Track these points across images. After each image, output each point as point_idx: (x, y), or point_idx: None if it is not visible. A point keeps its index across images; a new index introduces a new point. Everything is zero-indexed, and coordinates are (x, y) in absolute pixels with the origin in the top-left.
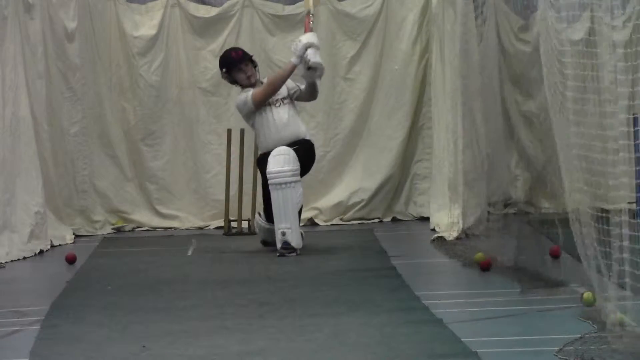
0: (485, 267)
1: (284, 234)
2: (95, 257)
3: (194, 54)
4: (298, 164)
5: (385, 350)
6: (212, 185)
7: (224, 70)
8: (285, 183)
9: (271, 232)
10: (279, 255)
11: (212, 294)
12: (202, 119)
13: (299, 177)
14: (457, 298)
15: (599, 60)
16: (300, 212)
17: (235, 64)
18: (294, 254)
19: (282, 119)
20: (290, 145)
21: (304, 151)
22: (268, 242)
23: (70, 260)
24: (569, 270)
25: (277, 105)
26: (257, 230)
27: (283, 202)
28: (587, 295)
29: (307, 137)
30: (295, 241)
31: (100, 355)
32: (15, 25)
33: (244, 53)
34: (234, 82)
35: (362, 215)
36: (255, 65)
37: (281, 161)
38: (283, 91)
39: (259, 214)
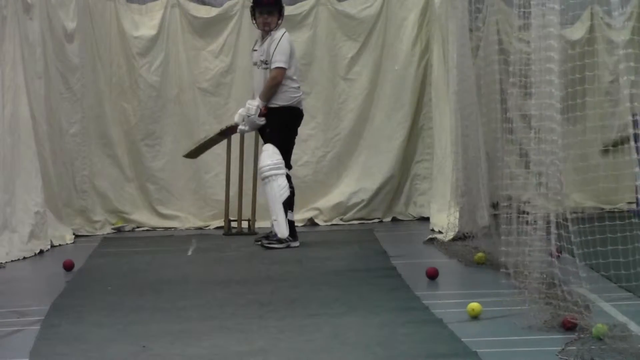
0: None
1: (272, 225)
2: (95, 257)
3: (194, 54)
4: (278, 156)
5: (385, 350)
6: (212, 185)
7: (251, 4)
8: (266, 177)
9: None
10: (259, 245)
11: (212, 294)
12: (202, 119)
13: (280, 169)
14: (457, 298)
15: (599, 60)
16: (288, 203)
17: (259, 7)
18: (279, 245)
19: (255, 82)
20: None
21: (270, 122)
22: (272, 241)
23: (68, 267)
24: (568, 270)
25: (257, 66)
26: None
27: (268, 195)
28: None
29: (277, 105)
30: (280, 232)
31: (100, 355)
32: (15, 26)
33: (275, 1)
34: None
35: (362, 215)
36: (281, 15)
37: (263, 157)
38: (261, 56)
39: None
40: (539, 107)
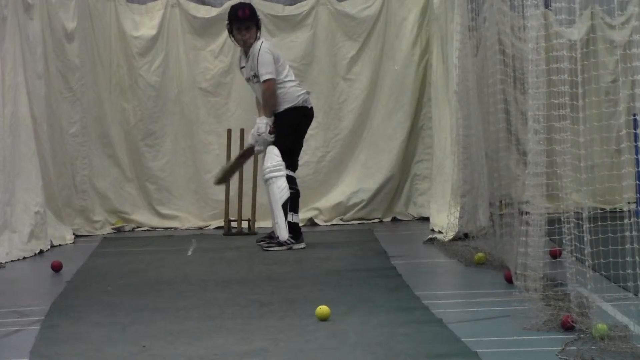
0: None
1: (274, 227)
2: (95, 257)
3: (194, 54)
4: (278, 158)
5: (385, 350)
6: (212, 186)
7: (227, 22)
8: (267, 180)
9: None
10: (263, 250)
11: (212, 294)
12: (202, 119)
13: (280, 171)
14: (457, 298)
15: (599, 60)
16: (290, 205)
17: (236, 22)
18: (280, 248)
19: (256, 96)
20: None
21: (278, 125)
22: (271, 243)
23: (56, 268)
24: (568, 270)
25: (250, 82)
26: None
27: (269, 197)
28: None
29: (283, 108)
30: (281, 235)
31: (100, 355)
32: (15, 25)
33: (251, 15)
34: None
35: (362, 215)
36: (258, 28)
37: (265, 159)
38: (251, 71)
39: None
40: (539, 107)
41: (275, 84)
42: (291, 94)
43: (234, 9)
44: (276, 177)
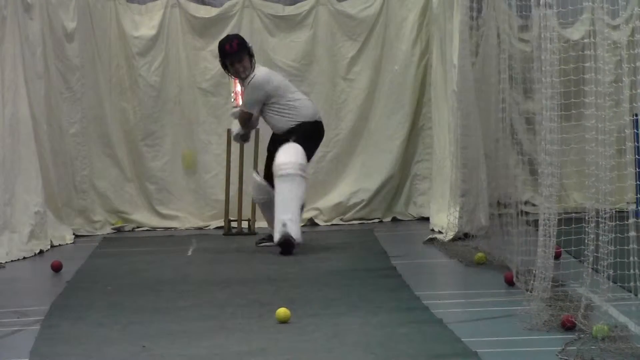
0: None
1: (284, 225)
2: (95, 257)
3: (194, 54)
4: (305, 159)
5: (385, 350)
6: (212, 185)
7: (219, 59)
8: (294, 175)
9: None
10: (280, 253)
11: (212, 294)
12: (202, 119)
13: (306, 173)
14: (457, 298)
15: (599, 61)
16: (301, 210)
17: (226, 57)
18: (271, 243)
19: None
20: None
21: (295, 133)
22: (264, 240)
23: (56, 268)
24: (568, 270)
25: None
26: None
27: (289, 193)
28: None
29: (300, 121)
30: (295, 232)
31: (100, 355)
32: (15, 25)
33: (239, 48)
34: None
35: (362, 215)
36: (251, 57)
37: (291, 153)
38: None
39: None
40: (539, 107)
41: (247, 116)
42: (311, 106)
43: (221, 44)
44: (302, 176)
